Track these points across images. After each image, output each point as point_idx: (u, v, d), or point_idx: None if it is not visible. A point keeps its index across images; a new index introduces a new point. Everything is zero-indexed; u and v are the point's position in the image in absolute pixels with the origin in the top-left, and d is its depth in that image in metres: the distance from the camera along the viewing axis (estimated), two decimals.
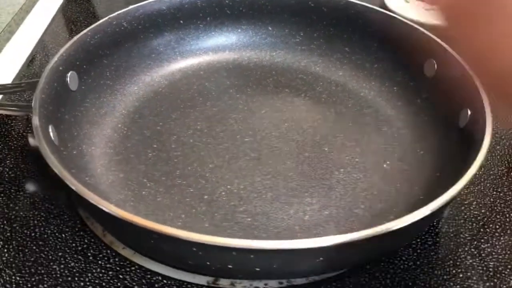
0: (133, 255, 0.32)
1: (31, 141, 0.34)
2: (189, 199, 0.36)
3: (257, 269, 0.27)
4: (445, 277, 0.32)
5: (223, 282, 0.31)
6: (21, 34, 0.57)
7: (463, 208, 0.37)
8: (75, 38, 0.41)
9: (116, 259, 0.32)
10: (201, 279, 0.31)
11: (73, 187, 0.28)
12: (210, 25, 0.50)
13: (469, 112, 0.37)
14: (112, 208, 0.27)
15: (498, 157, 0.41)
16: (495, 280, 0.32)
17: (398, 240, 0.30)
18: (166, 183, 0.37)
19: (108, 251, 0.33)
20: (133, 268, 0.32)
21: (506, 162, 0.41)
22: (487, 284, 0.31)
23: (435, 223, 0.35)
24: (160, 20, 0.48)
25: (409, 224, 0.26)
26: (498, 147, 0.42)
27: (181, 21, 0.49)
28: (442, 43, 0.42)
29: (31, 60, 0.52)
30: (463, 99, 0.38)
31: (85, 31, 0.42)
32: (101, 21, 0.43)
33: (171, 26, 0.49)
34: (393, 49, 0.46)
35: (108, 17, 0.44)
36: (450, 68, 0.40)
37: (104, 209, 0.27)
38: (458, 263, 0.33)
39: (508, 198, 0.37)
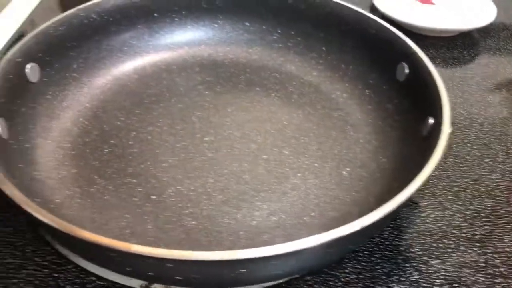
0: (71, 254, 0.32)
1: None
2: (136, 198, 0.35)
3: (178, 278, 0.26)
4: None
5: (157, 286, 0.31)
6: (9, 10, 0.56)
7: (418, 220, 0.35)
8: (38, 29, 0.40)
9: (54, 257, 0.32)
10: (135, 282, 0.31)
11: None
12: (185, 18, 0.49)
13: (431, 121, 0.35)
14: (29, 209, 0.26)
15: (466, 168, 0.40)
16: None
17: (334, 252, 0.29)
18: (117, 181, 0.37)
19: (48, 248, 0.33)
20: (69, 266, 0.32)
21: (473, 173, 0.39)
22: None
23: (385, 235, 0.34)
24: (133, 12, 0.47)
25: (332, 240, 0.25)
26: (468, 157, 0.41)
27: (155, 14, 0.48)
28: (415, 46, 0.40)
29: (17, 38, 0.52)
30: (429, 107, 0.36)
31: (49, 22, 0.41)
32: (67, 12, 0.43)
33: (144, 18, 0.48)
34: (368, 50, 0.45)
35: (76, 8, 0.43)
36: (420, 74, 0.39)
37: (30, 211, 0.27)
38: (402, 279, 0.32)
39: (468, 212, 0.36)
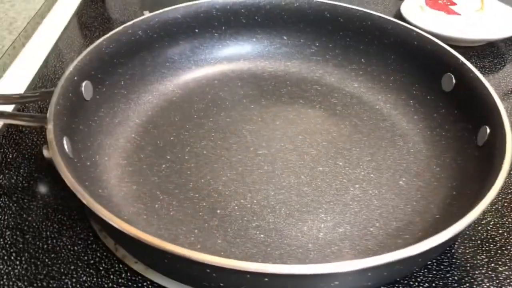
0: (145, 270, 0.32)
1: (46, 153, 0.34)
2: (202, 213, 0.36)
3: None
4: None
5: None
6: (36, 40, 0.57)
7: (480, 228, 0.36)
8: (91, 47, 0.40)
9: (128, 274, 0.32)
10: None
11: (86, 203, 0.28)
12: (225, 34, 0.50)
13: (488, 130, 0.36)
14: (123, 225, 0.27)
15: None
16: None
17: (412, 265, 0.30)
18: (179, 196, 0.37)
19: (120, 266, 0.33)
20: (145, 283, 0.32)
21: None
22: None
23: (451, 244, 0.35)
24: (175, 29, 0.47)
25: (424, 251, 0.26)
26: None
27: (196, 30, 0.49)
28: (460, 57, 0.41)
29: (44, 66, 0.52)
30: (482, 116, 0.37)
31: (100, 40, 0.41)
32: (116, 30, 0.43)
33: (186, 35, 0.48)
34: (410, 62, 0.45)
35: (123, 26, 0.44)
36: (468, 84, 0.40)
37: (115, 225, 0.27)
38: (474, 286, 0.32)
39: None
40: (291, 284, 0.26)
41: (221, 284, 0.27)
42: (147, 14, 0.46)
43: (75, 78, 0.38)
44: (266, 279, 0.25)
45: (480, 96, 0.38)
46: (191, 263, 0.25)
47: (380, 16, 0.47)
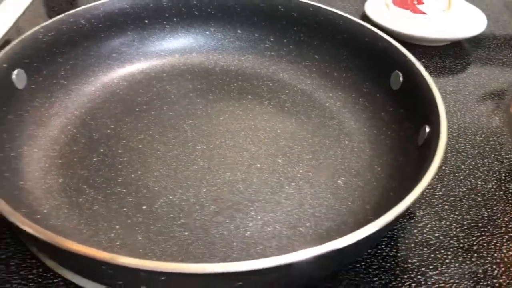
0: (57, 267, 0.31)
1: None
2: (126, 209, 0.34)
3: None
4: None
5: None
6: None
7: (416, 231, 0.35)
8: (25, 34, 0.39)
9: (40, 270, 0.31)
10: None
11: None
12: (176, 26, 0.49)
13: (427, 129, 0.35)
14: (21, 220, 0.25)
15: (461, 177, 0.39)
16: None
17: (332, 264, 0.29)
18: (106, 190, 0.35)
19: (33, 261, 0.31)
20: (55, 280, 0.30)
21: (468, 183, 0.39)
22: None
23: (383, 246, 0.33)
24: (122, 19, 0.46)
25: (338, 249, 0.24)
26: (463, 166, 0.40)
27: (146, 21, 0.47)
28: (409, 54, 0.40)
29: (2, 46, 0.51)
30: (424, 115, 0.36)
31: (37, 27, 0.40)
32: (55, 18, 0.42)
33: (135, 25, 0.47)
34: (362, 59, 0.44)
35: (64, 14, 0.42)
36: (414, 82, 0.38)
37: (11, 219, 0.25)
38: None
39: (465, 222, 0.35)
40: (189, 284, 0.25)
41: (120, 282, 0.26)
42: (91, 4, 0.44)
43: (4, 65, 0.37)
44: (163, 278, 0.24)
45: (423, 95, 0.37)
46: (83, 259, 0.24)
47: (333, 11, 0.45)
